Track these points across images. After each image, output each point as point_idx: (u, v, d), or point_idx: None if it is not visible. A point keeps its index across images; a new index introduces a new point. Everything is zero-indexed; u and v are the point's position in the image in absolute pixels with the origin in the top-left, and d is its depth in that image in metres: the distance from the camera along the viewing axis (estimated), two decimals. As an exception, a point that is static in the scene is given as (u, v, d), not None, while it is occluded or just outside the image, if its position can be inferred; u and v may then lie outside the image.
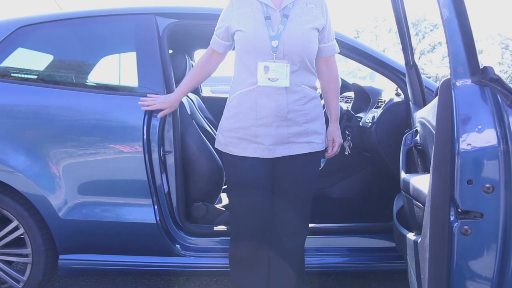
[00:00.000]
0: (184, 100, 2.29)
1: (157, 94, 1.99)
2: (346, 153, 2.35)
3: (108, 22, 2.16)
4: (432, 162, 1.27)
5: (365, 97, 2.60)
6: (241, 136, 1.69)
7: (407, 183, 1.66)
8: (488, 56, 29.13)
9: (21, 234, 2.05)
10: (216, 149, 1.86)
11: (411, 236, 1.60)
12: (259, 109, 1.65)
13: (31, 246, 2.04)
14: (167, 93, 2.00)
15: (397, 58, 2.32)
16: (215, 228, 2.16)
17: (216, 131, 1.85)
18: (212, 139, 2.28)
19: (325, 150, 1.84)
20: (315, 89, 1.75)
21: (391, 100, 2.24)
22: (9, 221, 2.04)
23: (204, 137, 2.24)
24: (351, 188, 2.96)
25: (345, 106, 2.94)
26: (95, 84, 2.21)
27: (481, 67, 1.27)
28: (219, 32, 1.75)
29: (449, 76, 1.28)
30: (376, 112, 2.27)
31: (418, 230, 1.55)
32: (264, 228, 1.78)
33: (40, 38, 2.18)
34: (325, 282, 2.41)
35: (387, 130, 2.17)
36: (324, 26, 1.70)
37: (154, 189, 2.00)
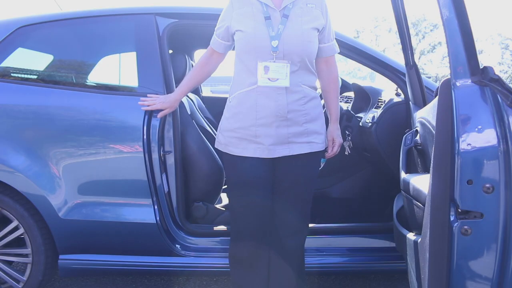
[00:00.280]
0: (184, 100, 2.29)
1: (157, 94, 1.99)
2: (346, 153, 2.35)
3: (108, 22, 2.16)
4: (432, 162, 1.27)
5: (365, 97, 2.60)
6: (241, 136, 1.69)
7: (407, 183, 1.67)
8: (488, 56, 29.15)
9: (21, 234, 2.05)
10: (216, 149, 1.86)
11: (411, 236, 1.60)
12: (259, 109, 1.65)
13: (31, 246, 2.04)
14: (167, 93, 2.00)
15: (397, 58, 2.32)
16: (215, 228, 2.16)
17: (216, 131, 1.85)
18: (212, 139, 2.28)
19: (325, 150, 1.84)
20: (315, 89, 1.75)
21: (391, 100, 2.24)
22: (9, 221, 2.04)
23: (204, 137, 2.24)
24: (351, 188, 2.96)
25: (345, 106, 2.94)
26: (95, 84, 2.21)
27: (481, 67, 1.27)
28: (219, 32, 1.75)
29: (449, 76, 1.28)
30: (376, 112, 2.27)
31: (418, 230, 1.55)
32: (264, 228, 1.78)
33: (40, 38, 2.18)
34: (325, 282, 2.41)
35: (387, 130, 2.17)
36: (324, 26, 1.70)
37: (154, 189, 2.00)
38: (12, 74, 2.15)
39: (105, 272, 2.26)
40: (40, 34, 2.16)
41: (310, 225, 2.09)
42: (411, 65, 2.01)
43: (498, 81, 1.24)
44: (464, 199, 1.21)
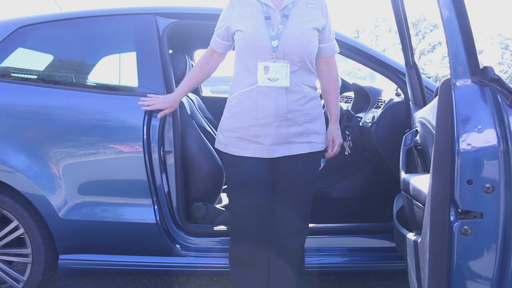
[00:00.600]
0: (184, 100, 2.28)
1: (157, 94, 1.99)
2: (346, 153, 2.35)
3: (108, 22, 2.16)
4: (432, 162, 1.27)
5: (365, 97, 2.60)
6: (241, 136, 1.69)
7: (407, 183, 1.67)
8: (488, 56, 29.15)
9: (21, 234, 2.05)
10: (216, 149, 1.86)
11: (411, 236, 1.60)
12: (259, 109, 1.65)
13: (31, 246, 2.04)
14: (167, 93, 2.00)
15: (397, 58, 2.31)
16: (215, 228, 2.16)
17: (216, 131, 1.85)
18: (212, 139, 2.28)
19: (325, 150, 1.84)
20: (315, 89, 1.75)
21: (391, 100, 2.24)
22: (9, 221, 2.04)
23: (204, 137, 2.24)
24: (351, 188, 2.96)
25: (345, 106, 2.94)
26: (95, 84, 2.21)
27: (481, 67, 1.27)
28: (219, 32, 1.75)
29: (449, 76, 1.28)
30: (376, 112, 2.27)
31: (418, 230, 1.55)
32: (264, 228, 1.78)
33: (40, 38, 2.18)
34: (325, 282, 2.41)
35: (387, 130, 2.17)
36: (324, 26, 1.70)
37: (154, 189, 2.00)
38: (12, 74, 2.15)
39: (105, 272, 2.26)
40: (40, 34, 2.16)
41: (310, 225, 2.09)
42: (411, 65, 2.01)
43: (498, 81, 1.24)
44: (464, 199, 1.21)
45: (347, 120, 2.64)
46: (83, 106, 2.01)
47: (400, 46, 2.08)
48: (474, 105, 1.24)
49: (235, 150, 1.71)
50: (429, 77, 9.59)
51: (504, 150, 1.21)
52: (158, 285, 2.39)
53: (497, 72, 1.26)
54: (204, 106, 3.15)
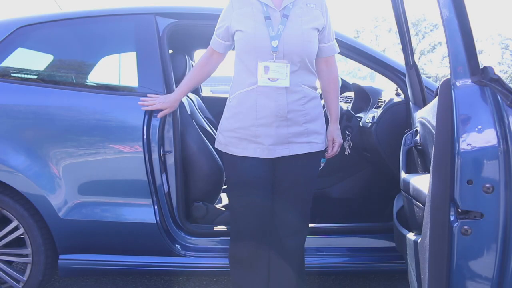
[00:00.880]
0: (184, 100, 2.28)
1: (157, 94, 1.99)
2: (346, 153, 2.35)
3: (108, 22, 2.16)
4: (432, 162, 1.27)
5: (365, 97, 2.60)
6: (241, 136, 1.69)
7: (407, 183, 1.66)
8: (488, 56, 29.16)
9: (21, 234, 2.05)
10: (216, 149, 1.86)
11: (411, 236, 1.60)
12: (259, 109, 1.65)
13: (31, 246, 2.04)
14: (167, 93, 2.00)
15: (397, 58, 2.31)
16: (215, 228, 2.16)
17: (216, 131, 1.85)
18: (212, 139, 2.28)
19: (325, 150, 1.84)
20: (315, 89, 1.75)
21: (391, 100, 2.24)
22: (9, 221, 2.04)
23: (204, 137, 2.24)
24: (351, 188, 2.96)
25: (345, 106, 2.94)
26: (95, 84, 2.21)
27: (481, 67, 1.27)
28: (219, 32, 1.75)
29: (449, 76, 1.28)
30: (376, 112, 2.27)
31: (418, 230, 1.55)
32: (264, 228, 1.78)
33: (40, 38, 2.18)
34: (325, 282, 2.41)
35: (387, 130, 2.17)
36: (324, 26, 1.70)
37: (154, 189, 2.00)
38: (12, 74, 2.15)
39: (105, 272, 2.26)
40: (40, 34, 2.16)
41: (310, 225, 2.09)
42: (411, 65, 2.01)
43: (498, 81, 1.24)
44: (464, 199, 1.21)
45: (347, 120, 2.64)
46: (83, 106, 2.01)
47: (400, 46, 2.08)
48: (474, 105, 1.24)
49: (235, 150, 1.71)
50: (429, 77, 9.59)
51: (504, 150, 1.21)
52: (158, 285, 2.39)
53: (497, 72, 1.26)
54: (204, 106, 3.15)
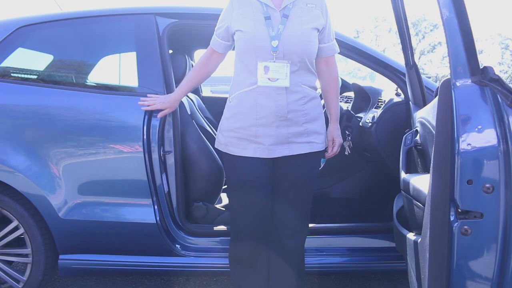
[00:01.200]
0: (184, 100, 2.28)
1: (157, 94, 1.99)
2: (346, 153, 2.35)
3: (108, 22, 2.16)
4: (432, 162, 1.27)
5: (365, 97, 2.60)
6: (241, 136, 1.69)
7: (407, 183, 1.66)
8: (488, 56, 29.16)
9: (21, 234, 2.05)
10: (216, 149, 1.86)
11: (411, 236, 1.60)
12: (259, 109, 1.65)
13: (31, 246, 2.04)
14: (167, 93, 2.00)
15: (397, 58, 2.31)
16: (215, 228, 2.16)
17: (216, 131, 1.85)
18: (212, 139, 2.27)
19: (325, 150, 1.84)
20: (315, 89, 1.75)
21: (391, 100, 2.24)
22: (9, 221, 2.04)
23: (204, 137, 2.24)
24: (351, 188, 2.96)
25: (345, 106, 2.94)
26: (95, 84, 2.21)
27: (481, 67, 1.27)
28: (219, 32, 1.75)
29: (449, 76, 1.28)
30: (376, 112, 2.27)
31: (418, 230, 1.55)
32: (264, 228, 1.78)
33: (40, 38, 2.18)
34: (325, 282, 2.41)
35: (387, 130, 2.17)
36: (324, 26, 1.70)
37: (154, 189, 2.00)
38: (12, 74, 2.15)
39: (105, 272, 2.26)
40: (40, 34, 2.16)
41: (310, 225, 2.08)
42: (411, 65, 2.01)
43: (498, 81, 1.24)
44: (464, 199, 1.21)
45: (347, 120, 2.64)
46: (83, 106, 2.01)
47: (400, 46, 2.08)
48: (474, 105, 1.24)
49: (235, 150, 1.71)
50: (429, 77, 9.59)
51: (504, 150, 1.21)
52: (158, 285, 2.39)
53: (497, 72, 1.26)
54: (204, 106, 3.15)
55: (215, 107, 3.17)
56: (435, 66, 30.34)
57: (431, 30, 30.46)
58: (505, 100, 1.24)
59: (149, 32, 2.07)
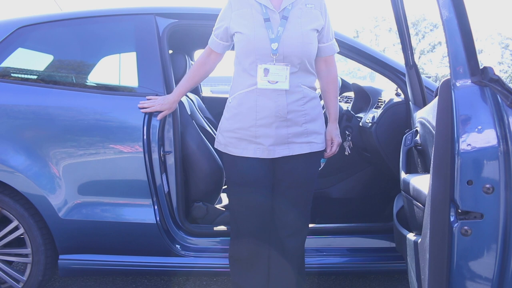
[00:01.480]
0: (184, 100, 2.28)
1: (157, 94, 1.99)
2: (346, 153, 2.35)
3: (108, 22, 2.16)
4: (432, 162, 1.26)
5: (365, 97, 2.60)
6: (240, 137, 1.69)
7: (407, 184, 1.66)
8: (488, 56, 29.16)
9: (21, 234, 2.05)
10: (216, 149, 1.86)
11: (411, 236, 1.60)
12: (259, 109, 1.65)
13: (31, 246, 2.04)
14: (167, 93, 2.00)
15: (397, 58, 2.31)
16: (215, 228, 2.15)
17: (216, 131, 1.85)
18: (212, 139, 2.27)
19: (324, 150, 1.84)
20: (315, 89, 1.75)
21: (391, 100, 2.24)
22: (9, 221, 2.04)
23: (204, 137, 2.24)
24: (351, 188, 2.96)
25: (345, 106, 2.94)
26: (95, 84, 2.21)
27: (481, 67, 1.27)
28: (218, 33, 1.75)
29: (449, 76, 1.28)
30: (376, 112, 2.27)
31: (418, 230, 1.55)
32: (264, 228, 1.78)
33: (40, 38, 2.18)
34: (325, 282, 2.41)
35: (387, 130, 2.17)
36: (323, 26, 1.70)
37: (154, 189, 2.00)
38: (12, 74, 2.15)
39: (105, 272, 2.26)
40: (40, 34, 2.16)
41: (310, 225, 2.09)
42: (411, 65, 2.01)
43: (498, 81, 1.24)
44: (464, 200, 1.21)
45: (347, 120, 2.64)
46: (83, 106, 2.01)
47: (400, 46, 2.08)
48: (474, 106, 1.24)
49: (235, 151, 1.71)
50: (429, 77, 9.59)
51: (504, 150, 1.21)
52: (158, 285, 2.39)
53: (497, 72, 1.26)
54: (204, 106, 3.15)
55: (215, 107, 3.17)
56: (435, 66, 30.36)
57: (431, 30, 30.46)
58: (505, 100, 1.24)
59: (149, 32, 2.07)
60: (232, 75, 1.75)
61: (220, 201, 2.51)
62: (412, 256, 1.53)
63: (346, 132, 2.48)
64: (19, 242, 2.10)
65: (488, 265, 1.25)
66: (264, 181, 1.73)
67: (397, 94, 2.25)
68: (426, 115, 1.71)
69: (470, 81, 1.25)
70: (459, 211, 1.23)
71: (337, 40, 1.80)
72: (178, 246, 2.08)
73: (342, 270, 2.20)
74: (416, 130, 1.81)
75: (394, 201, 2.07)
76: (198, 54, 3.24)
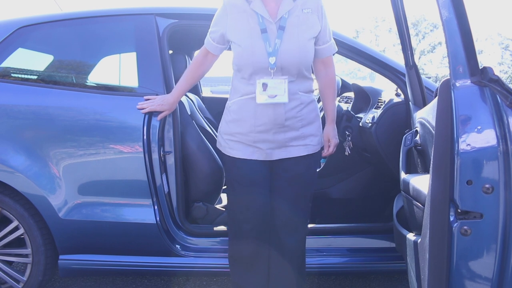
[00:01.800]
0: (184, 100, 2.29)
1: (157, 94, 2.00)
2: (346, 153, 2.35)
3: (108, 22, 2.16)
4: (431, 162, 1.27)
5: (365, 98, 2.60)
6: (239, 140, 1.72)
7: (407, 184, 1.67)
8: (488, 56, 29.16)
9: (21, 234, 2.05)
10: (216, 150, 1.87)
11: (411, 236, 1.60)
12: (258, 117, 1.67)
13: (31, 246, 2.04)
14: (167, 93, 2.00)
15: (397, 58, 2.31)
16: (215, 229, 2.16)
17: (216, 131, 1.86)
18: (212, 139, 2.28)
19: (322, 149, 1.85)
20: (312, 92, 1.76)
21: (391, 100, 2.24)
22: (9, 221, 2.04)
23: (204, 137, 2.24)
24: (351, 188, 2.97)
25: (345, 106, 2.94)
26: (95, 85, 2.21)
27: (480, 68, 1.27)
28: (214, 37, 1.75)
29: (448, 77, 1.28)
30: (376, 113, 2.27)
31: (418, 230, 1.55)
32: (263, 228, 1.79)
33: (40, 38, 2.18)
34: (325, 283, 2.41)
35: (387, 130, 2.17)
36: (321, 29, 1.69)
37: (154, 189, 2.00)
38: (12, 75, 2.15)
39: (105, 272, 2.26)
40: (40, 34, 2.16)
41: (311, 225, 2.09)
42: (411, 66, 2.01)
43: (498, 81, 1.24)
44: (463, 200, 1.22)
45: (347, 121, 2.64)
46: (83, 107, 2.01)
47: (400, 46, 2.08)
48: (473, 106, 1.24)
49: (234, 152, 1.74)
50: (429, 77, 9.60)
51: (504, 150, 1.21)
52: (158, 285, 2.39)
53: (497, 72, 1.26)
54: (204, 106, 3.15)
55: (215, 107, 3.18)
56: (435, 66, 30.38)
57: (431, 30, 30.48)
58: (505, 100, 1.24)
59: (149, 33, 2.08)
60: (231, 75, 1.75)
61: (220, 201, 2.52)
62: (412, 256, 1.53)
63: (346, 132, 2.48)
64: (19, 243, 2.11)
65: (488, 265, 1.25)
66: (263, 182, 1.75)
67: (397, 95, 2.25)
68: (426, 115, 1.71)
69: (469, 81, 1.25)
70: (459, 211, 1.23)
71: (337, 41, 1.80)
72: (178, 246, 2.08)
73: (342, 270, 2.20)
74: (416, 130, 1.81)
75: (394, 201, 2.07)
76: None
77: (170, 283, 2.41)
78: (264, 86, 1.63)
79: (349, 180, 2.99)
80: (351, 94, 3.02)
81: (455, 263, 1.25)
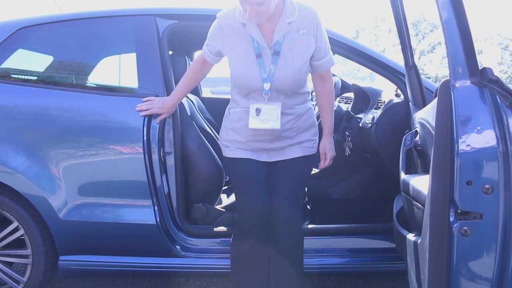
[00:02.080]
0: (184, 101, 2.29)
1: (157, 95, 2.00)
2: (346, 154, 2.35)
3: (108, 23, 2.16)
4: (431, 163, 1.27)
5: (365, 98, 2.60)
6: (237, 147, 1.78)
7: (407, 184, 1.67)
8: (487, 56, 29.16)
9: (21, 235, 2.05)
10: (216, 150, 1.89)
11: (411, 237, 1.60)
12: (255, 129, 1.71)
13: (31, 247, 2.04)
14: (167, 94, 2.01)
15: (397, 59, 2.31)
16: (215, 229, 2.16)
17: (216, 131, 1.89)
18: (212, 140, 2.28)
19: (318, 155, 1.88)
20: (308, 100, 1.80)
21: (390, 101, 2.24)
22: (9, 222, 2.04)
23: (204, 138, 2.24)
24: (351, 189, 2.97)
25: (345, 107, 2.94)
26: (95, 85, 2.21)
27: (480, 68, 1.27)
28: (211, 50, 1.78)
29: (448, 77, 1.28)
30: (376, 113, 2.27)
31: (418, 231, 1.55)
32: (263, 227, 1.82)
33: (40, 39, 2.18)
34: (325, 283, 2.41)
35: (387, 131, 2.17)
36: (316, 47, 1.68)
37: (154, 190, 2.00)
38: (12, 75, 2.15)
39: (105, 273, 2.26)
40: (40, 35, 2.16)
41: (311, 226, 2.10)
42: (411, 66, 2.01)
43: (497, 82, 1.25)
44: (463, 200, 1.22)
45: (347, 121, 2.64)
46: (83, 107, 2.01)
47: (400, 47, 2.08)
48: (473, 106, 1.24)
49: (234, 153, 1.79)
50: (429, 78, 9.59)
51: (504, 151, 1.21)
52: (158, 286, 2.39)
53: (496, 73, 1.26)
54: (204, 107, 3.15)
55: (215, 108, 3.18)
56: (434, 66, 30.37)
57: (430, 31, 30.47)
58: (504, 101, 1.24)
59: (149, 33, 2.08)
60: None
61: (220, 202, 2.51)
62: (412, 256, 1.53)
63: (346, 133, 2.48)
64: (19, 243, 2.11)
65: (488, 265, 1.25)
66: (263, 181, 1.80)
67: (397, 95, 2.25)
68: (425, 115, 1.71)
69: (469, 82, 1.25)
70: (459, 211, 1.23)
71: (337, 41, 1.80)
72: (178, 247, 2.08)
73: (342, 271, 2.20)
74: (416, 131, 1.81)
75: (394, 201, 2.07)
76: (198, 55, 3.24)
77: (170, 283, 2.41)
78: (258, 111, 1.66)
79: (349, 180, 2.99)
80: (351, 95, 3.02)
81: (455, 264, 1.25)
